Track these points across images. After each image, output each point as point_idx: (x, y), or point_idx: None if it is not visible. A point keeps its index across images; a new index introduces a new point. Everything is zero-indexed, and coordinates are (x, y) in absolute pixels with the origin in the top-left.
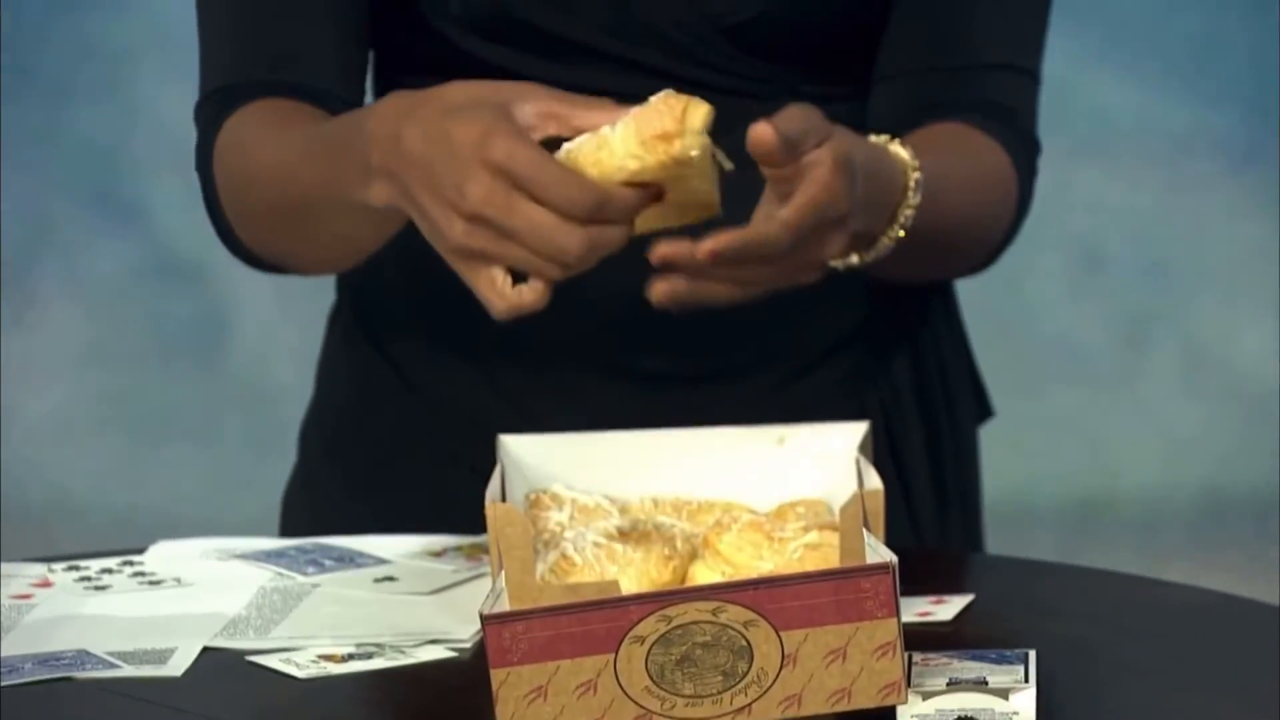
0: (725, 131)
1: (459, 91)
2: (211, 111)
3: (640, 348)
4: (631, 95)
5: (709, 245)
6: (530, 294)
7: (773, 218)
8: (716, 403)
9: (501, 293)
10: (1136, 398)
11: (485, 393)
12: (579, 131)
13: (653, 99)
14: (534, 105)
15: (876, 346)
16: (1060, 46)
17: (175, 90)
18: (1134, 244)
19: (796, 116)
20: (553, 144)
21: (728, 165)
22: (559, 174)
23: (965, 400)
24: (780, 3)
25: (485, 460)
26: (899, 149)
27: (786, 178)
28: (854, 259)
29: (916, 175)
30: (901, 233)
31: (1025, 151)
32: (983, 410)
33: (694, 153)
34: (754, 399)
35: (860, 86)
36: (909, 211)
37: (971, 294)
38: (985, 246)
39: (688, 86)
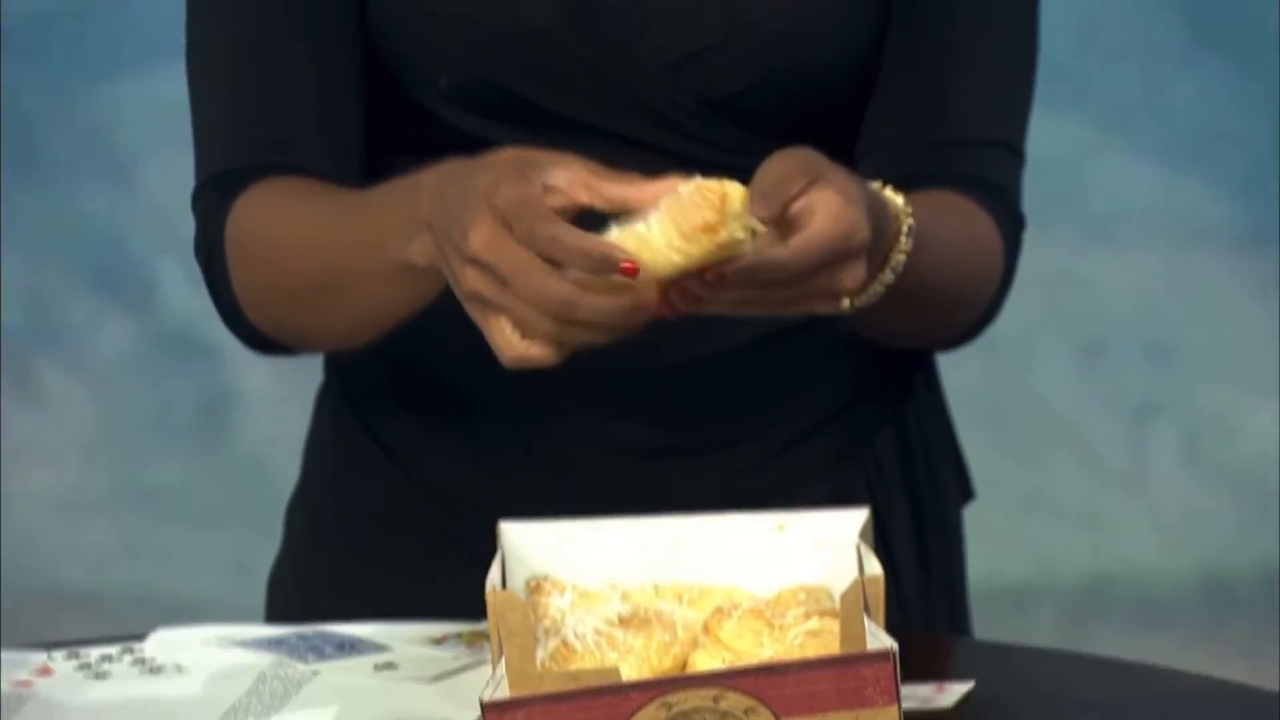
0: None
1: (504, 153)
2: (212, 197)
3: (628, 420)
4: (624, 169)
5: (724, 270)
6: (537, 348)
7: (783, 243)
8: (702, 476)
9: (510, 341)
10: (1139, 481)
11: (473, 468)
12: (609, 202)
13: (683, 189)
14: (567, 172)
15: (861, 422)
16: (1065, 131)
17: (177, 172)
18: (1138, 328)
19: (772, 168)
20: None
21: (761, 229)
22: (558, 226)
23: (949, 479)
24: (767, 76)
25: (474, 536)
26: (892, 195)
27: (799, 213)
28: (844, 303)
29: (909, 221)
30: (892, 277)
31: (1011, 225)
32: (965, 491)
33: (740, 236)
34: (740, 473)
35: (849, 162)
36: (900, 257)
37: (976, 376)
38: (969, 313)
39: (678, 160)
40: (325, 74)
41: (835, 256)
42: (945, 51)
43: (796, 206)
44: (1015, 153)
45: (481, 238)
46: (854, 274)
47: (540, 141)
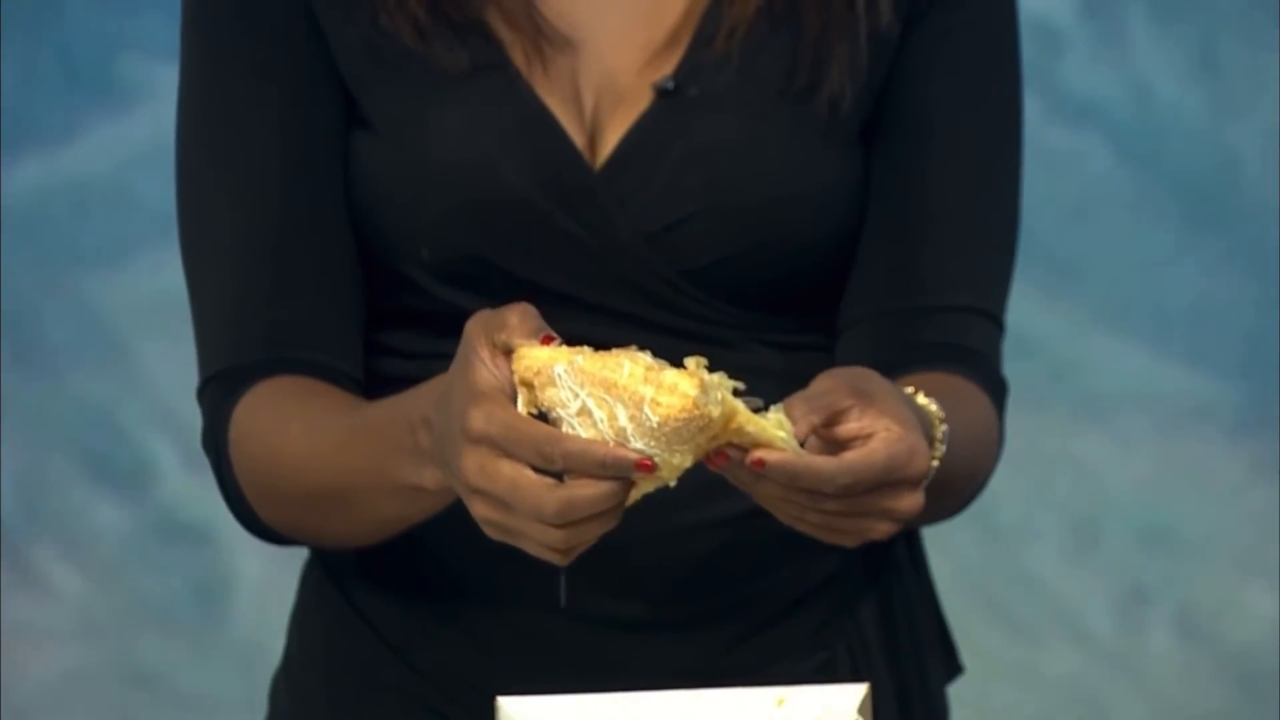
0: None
1: (470, 325)
2: (216, 395)
3: (618, 595)
4: (604, 341)
5: (758, 454)
6: (559, 557)
7: (836, 456)
8: (687, 650)
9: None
10: (1134, 662)
11: (459, 643)
12: None
13: (644, 389)
14: (526, 325)
15: (845, 596)
16: (1059, 313)
17: (174, 358)
18: (1134, 509)
19: (821, 382)
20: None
21: (740, 385)
22: (564, 441)
23: (934, 654)
24: (743, 249)
25: (461, 710)
26: (926, 400)
27: (856, 434)
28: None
29: (944, 428)
30: (925, 483)
31: (999, 395)
32: (952, 667)
33: (715, 413)
34: (726, 646)
35: (829, 335)
36: (935, 463)
37: (973, 556)
38: (973, 492)
39: (659, 332)
40: (323, 265)
41: (893, 479)
42: (925, 222)
43: (851, 426)
44: (996, 322)
45: (471, 470)
46: (913, 500)
47: None
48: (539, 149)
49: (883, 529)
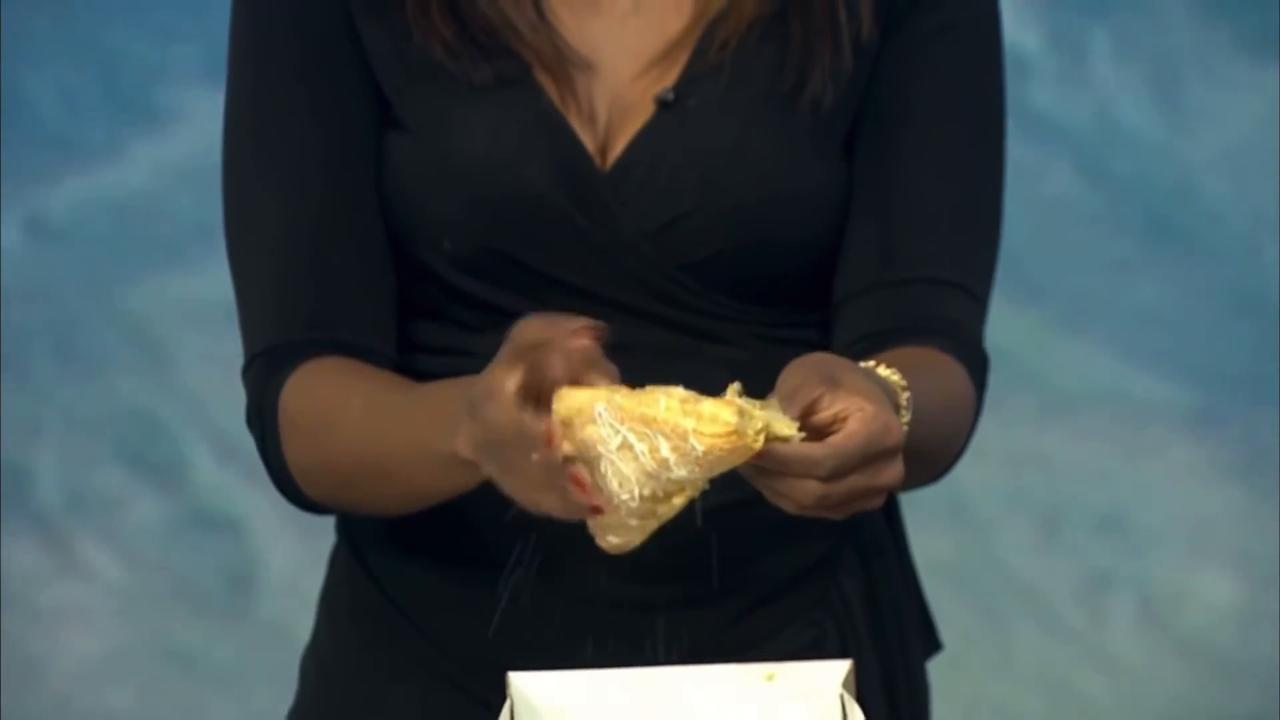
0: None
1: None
2: (260, 373)
3: (628, 578)
4: (610, 335)
5: (759, 452)
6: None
7: (821, 442)
8: (692, 627)
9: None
10: (1096, 642)
11: (476, 620)
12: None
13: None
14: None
15: (834, 577)
16: (1027, 321)
17: (208, 361)
18: (1095, 501)
19: (789, 376)
20: None
21: (774, 402)
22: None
23: (915, 631)
24: (737, 244)
25: (480, 685)
26: (888, 371)
27: (832, 419)
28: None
29: (907, 395)
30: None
31: (978, 365)
32: (932, 644)
33: (754, 436)
34: (726, 625)
35: (820, 330)
36: (904, 428)
37: (947, 544)
38: (948, 460)
39: (660, 324)
40: (360, 253)
41: (873, 455)
42: (904, 205)
43: (826, 414)
44: (975, 297)
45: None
46: (894, 470)
47: (535, 304)
48: (554, 152)
49: (873, 500)
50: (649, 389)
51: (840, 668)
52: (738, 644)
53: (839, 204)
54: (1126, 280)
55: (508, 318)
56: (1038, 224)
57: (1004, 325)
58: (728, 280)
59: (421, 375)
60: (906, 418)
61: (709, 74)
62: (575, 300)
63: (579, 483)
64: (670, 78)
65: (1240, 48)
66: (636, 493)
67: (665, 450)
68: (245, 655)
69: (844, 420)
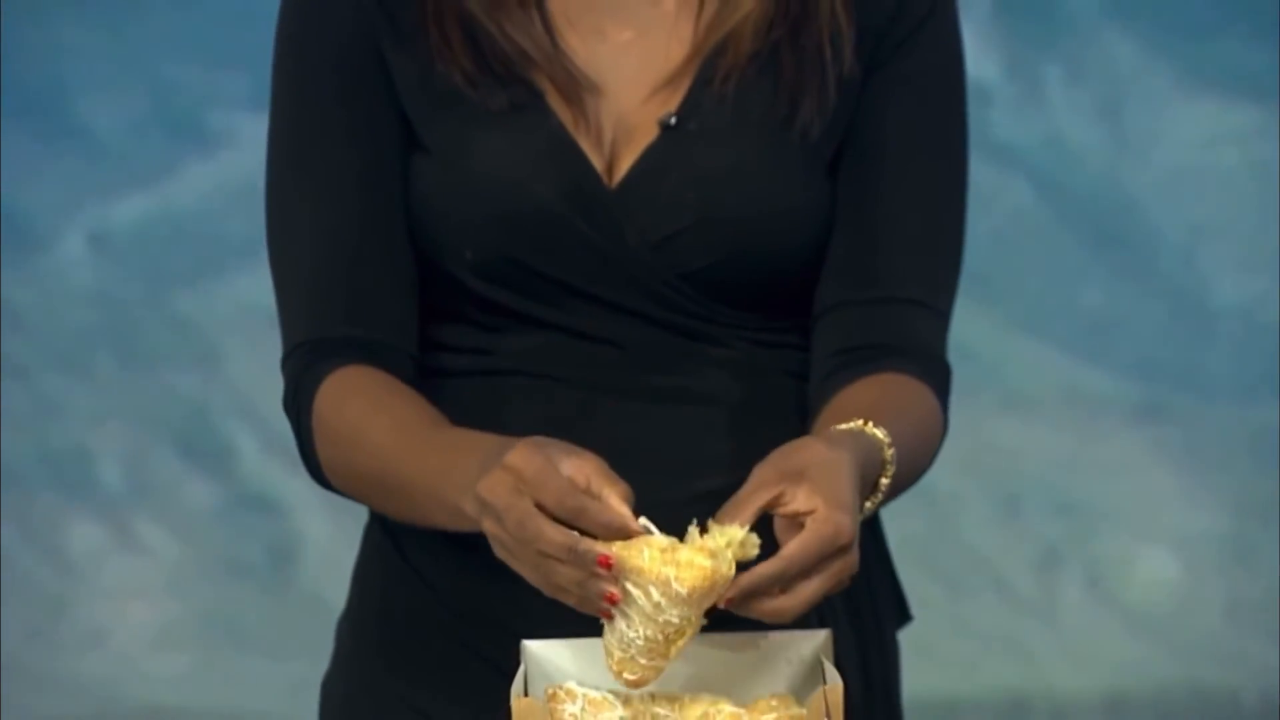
0: (693, 373)
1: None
2: (299, 364)
3: None
4: (615, 336)
5: (729, 595)
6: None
7: (778, 556)
8: None
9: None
10: (1050, 613)
11: (494, 592)
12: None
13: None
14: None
15: None
16: (987, 323)
17: (254, 359)
18: (1049, 485)
19: (751, 480)
20: None
21: (738, 530)
22: (559, 480)
23: (888, 604)
24: (735, 256)
25: (495, 650)
26: (875, 430)
27: (794, 518)
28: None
29: (891, 451)
30: (880, 497)
31: (944, 383)
32: (902, 614)
33: (728, 570)
34: None
35: (807, 334)
36: (885, 480)
37: (916, 524)
38: (919, 476)
39: (661, 326)
40: (389, 261)
41: (828, 553)
42: (879, 229)
43: (788, 511)
44: (940, 314)
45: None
46: (849, 562)
47: (547, 309)
48: (565, 170)
49: (834, 589)
50: (635, 541)
51: (819, 636)
52: (732, 614)
53: (824, 221)
54: (1077, 286)
55: (523, 320)
56: (998, 236)
57: (967, 327)
58: (722, 288)
59: (445, 372)
60: (891, 470)
61: (709, 101)
62: (583, 304)
63: (611, 600)
64: (673, 103)
65: (1179, 79)
66: (641, 632)
67: (656, 596)
68: (287, 623)
69: (803, 523)
